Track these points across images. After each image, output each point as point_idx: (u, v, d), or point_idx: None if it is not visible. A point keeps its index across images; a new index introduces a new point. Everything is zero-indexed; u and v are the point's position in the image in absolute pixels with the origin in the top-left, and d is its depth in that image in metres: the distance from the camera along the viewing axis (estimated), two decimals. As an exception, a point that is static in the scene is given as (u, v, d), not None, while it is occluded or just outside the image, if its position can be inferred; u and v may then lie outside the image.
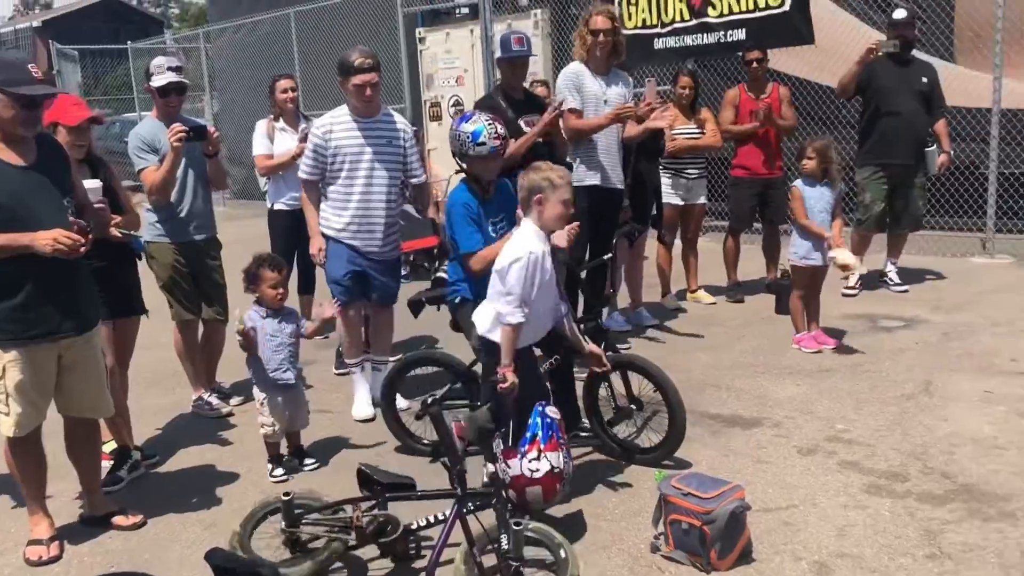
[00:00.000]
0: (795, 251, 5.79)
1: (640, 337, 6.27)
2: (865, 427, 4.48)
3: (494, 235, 4.04)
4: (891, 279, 7.09)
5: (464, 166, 4.03)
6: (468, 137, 3.92)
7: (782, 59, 9.00)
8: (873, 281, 7.17)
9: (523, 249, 3.51)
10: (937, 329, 5.99)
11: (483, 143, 3.91)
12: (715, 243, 7.83)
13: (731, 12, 8.53)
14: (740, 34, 8.49)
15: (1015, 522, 3.46)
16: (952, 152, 7.04)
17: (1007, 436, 4.24)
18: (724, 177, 7.44)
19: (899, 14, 6.92)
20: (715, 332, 6.34)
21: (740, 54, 7.52)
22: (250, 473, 4.41)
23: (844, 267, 5.59)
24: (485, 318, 3.64)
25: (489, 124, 3.94)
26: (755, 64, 7.01)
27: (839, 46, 8.62)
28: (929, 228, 8.04)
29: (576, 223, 3.87)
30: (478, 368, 4.06)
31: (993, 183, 7.91)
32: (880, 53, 6.66)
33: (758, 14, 8.33)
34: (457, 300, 4.12)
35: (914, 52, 7.03)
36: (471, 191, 4.03)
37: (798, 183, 5.79)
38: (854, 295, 6.94)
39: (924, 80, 6.79)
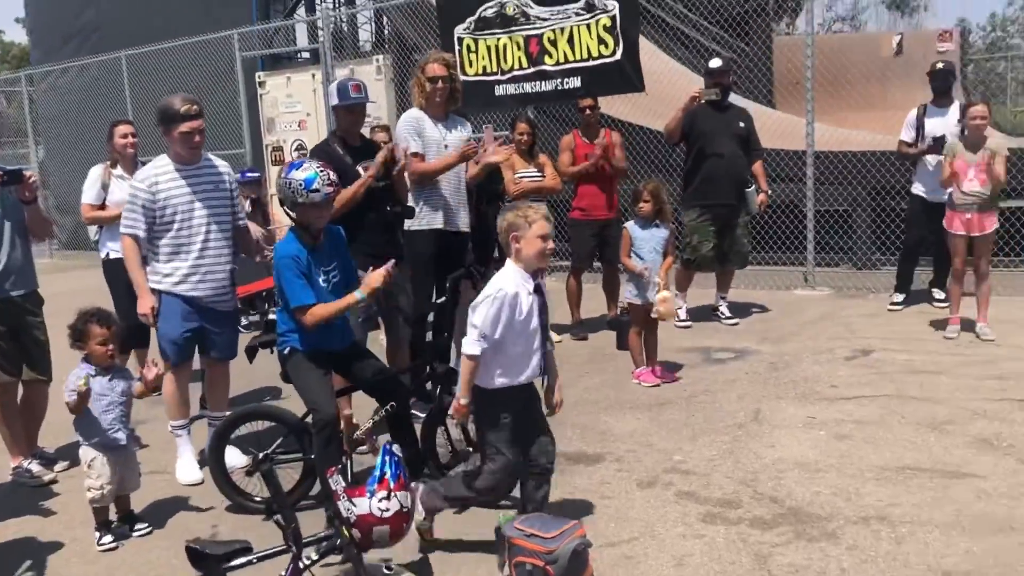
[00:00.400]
0: (631, 290, 6.01)
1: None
2: (700, 457, 4.67)
3: (326, 285, 3.98)
4: (722, 313, 7.48)
5: (293, 215, 3.97)
6: (301, 184, 3.86)
7: (616, 106, 9.41)
8: (706, 315, 7.53)
9: (494, 287, 3.56)
10: (765, 359, 6.34)
11: (317, 189, 3.87)
12: (559, 283, 8.03)
13: (567, 61, 8.83)
14: (576, 82, 8.79)
15: (836, 541, 3.68)
16: (773, 192, 7.52)
17: (828, 459, 4.52)
18: (564, 219, 7.66)
19: (715, 63, 7.38)
20: (560, 370, 6.39)
21: (576, 100, 7.80)
22: (75, 543, 4.14)
23: (662, 317, 5.84)
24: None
25: (321, 171, 3.91)
26: (588, 111, 7.31)
27: (670, 93, 9.09)
28: (756, 264, 8.54)
29: (392, 261, 3.89)
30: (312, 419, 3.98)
31: (811, 220, 8.49)
32: (703, 100, 7.06)
33: (592, 63, 8.65)
34: (286, 351, 4.04)
35: (736, 97, 7.50)
36: (300, 241, 3.97)
37: (629, 225, 6.03)
38: (687, 327, 7.31)
39: (741, 124, 7.24)
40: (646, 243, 5.92)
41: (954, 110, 7.07)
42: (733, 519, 3.94)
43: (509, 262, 3.66)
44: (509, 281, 3.59)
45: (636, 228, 5.96)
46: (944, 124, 7.00)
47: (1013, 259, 8.24)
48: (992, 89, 19.21)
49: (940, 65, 7.26)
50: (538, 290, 3.65)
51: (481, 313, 3.54)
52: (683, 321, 7.33)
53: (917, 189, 7.28)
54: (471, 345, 3.54)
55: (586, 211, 7.27)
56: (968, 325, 6.51)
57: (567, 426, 5.26)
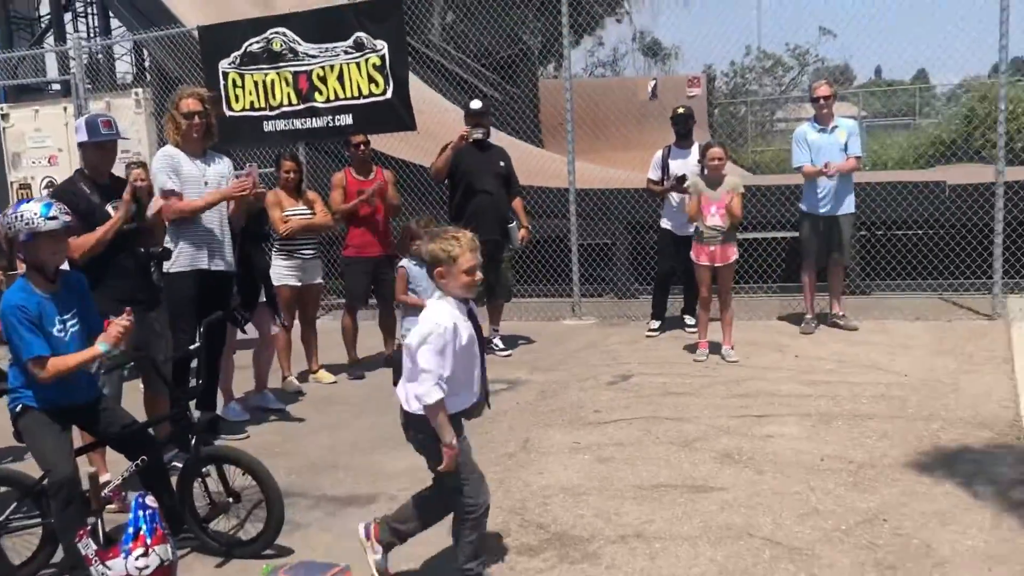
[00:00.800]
0: (407, 327, 6.05)
1: (264, 423, 6.15)
2: (472, 489, 4.75)
3: (62, 335, 3.70)
4: (496, 345, 7.67)
5: (24, 255, 3.68)
6: (36, 213, 3.60)
7: (386, 142, 9.49)
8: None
9: (430, 325, 3.33)
10: (535, 388, 6.57)
11: (55, 216, 3.62)
12: (335, 321, 7.94)
13: (337, 98, 8.80)
14: (347, 119, 8.78)
15: (596, 561, 3.87)
16: (542, 227, 7.85)
17: (590, 482, 4.74)
18: (337, 257, 7.62)
19: (475, 104, 7.66)
20: (336, 411, 6.38)
21: (348, 137, 7.80)
22: None
23: None
24: (408, 394, 3.43)
25: (56, 202, 3.70)
26: (361, 148, 7.33)
27: (441, 131, 9.29)
28: (527, 296, 8.86)
29: (128, 310, 3.72)
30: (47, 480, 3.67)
31: (575, 253, 8.93)
32: (470, 140, 7.28)
33: (362, 101, 8.68)
34: (18, 408, 3.72)
35: (505, 137, 7.79)
36: (32, 287, 3.68)
37: (405, 263, 6.09)
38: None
39: (502, 164, 7.55)
40: (423, 280, 5.98)
41: (695, 151, 7.71)
42: (502, 549, 4.04)
43: (438, 294, 3.47)
44: (445, 314, 3.39)
45: (413, 266, 6.02)
46: (685, 164, 7.63)
47: (752, 286, 9.06)
48: (734, 132, 21.14)
49: (681, 110, 7.92)
50: (471, 315, 3.51)
51: (429, 357, 3.31)
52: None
53: (665, 224, 7.87)
54: (431, 392, 3.31)
55: (359, 248, 7.26)
56: (715, 348, 7.08)
57: (340, 468, 5.20)
